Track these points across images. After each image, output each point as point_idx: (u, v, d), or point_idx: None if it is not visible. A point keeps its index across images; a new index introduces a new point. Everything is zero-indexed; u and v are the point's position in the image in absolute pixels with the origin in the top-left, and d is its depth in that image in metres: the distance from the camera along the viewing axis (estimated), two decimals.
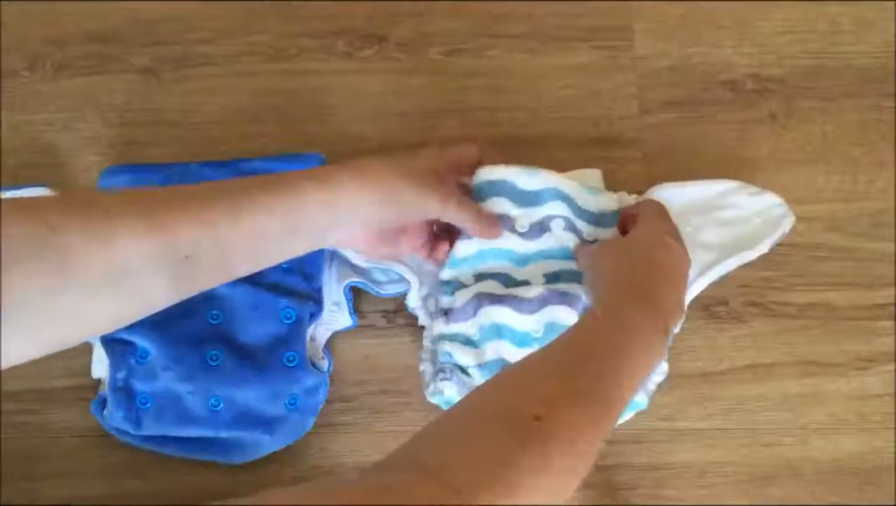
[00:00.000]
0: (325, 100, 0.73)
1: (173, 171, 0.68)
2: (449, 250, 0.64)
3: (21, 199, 0.48)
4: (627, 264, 0.57)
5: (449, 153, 0.63)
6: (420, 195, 0.58)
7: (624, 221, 0.65)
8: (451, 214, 0.60)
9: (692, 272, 0.63)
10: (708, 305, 0.69)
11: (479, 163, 0.64)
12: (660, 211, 0.63)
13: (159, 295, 0.51)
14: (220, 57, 0.74)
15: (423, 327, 0.66)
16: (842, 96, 0.73)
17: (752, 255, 0.66)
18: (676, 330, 0.58)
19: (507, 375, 0.50)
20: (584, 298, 0.63)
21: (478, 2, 0.75)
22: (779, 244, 0.67)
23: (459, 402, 0.49)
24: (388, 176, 0.57)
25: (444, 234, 0.65)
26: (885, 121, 0.72)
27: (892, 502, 0.66)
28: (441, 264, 0.64)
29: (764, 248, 0.66)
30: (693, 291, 0.65)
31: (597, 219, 0.65)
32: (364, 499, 0.38)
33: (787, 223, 0.66)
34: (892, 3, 0.74)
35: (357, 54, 0.74)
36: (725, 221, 0.67)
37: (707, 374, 0.68)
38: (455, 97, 0.73)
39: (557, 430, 0.44)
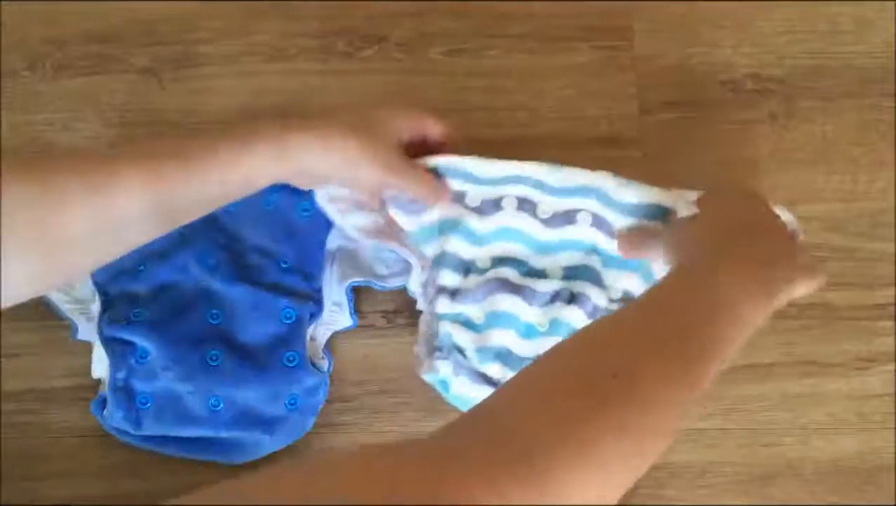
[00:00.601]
0: (325, 100, 0.73)
1: None
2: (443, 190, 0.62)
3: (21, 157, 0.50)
4: (718, 227, 0.54)
5: (419, 126, 0.62)
6: (368, 169, 0.58)
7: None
8: (396, 182, 0.60)
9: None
10: None
11: (445, 141, 0.63)
12: (733, 187, 0.61)
13: (145, 238, 0.53)
14: (220, 57, 0.74)
15: (420, 312, 0.65)
16: (842, 96, 0.73)
17: None
18: (801, 292, 0.54)
19: (585, 333, 0.48)
20: (595, 302, 0.63)
21: (478, 2, 0.75)
22: None
23: (536, 359, 0.46)
24: (349, 144, 0.57)
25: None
26: (885, 121, 0.72)
27: (892, 502, 0.66)
28: (439, 202, 0.63)
29: None
30: None
31: (635, 213, 0.62)
32: (432, 466, 0.37)
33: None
34: (892, 3, 0.74)
35: (357, 54, 0.74)
36: None
37: None
38: (455, 97, 0.73)
39: (635, 388, 0.42)
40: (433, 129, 0.63)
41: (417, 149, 0.62)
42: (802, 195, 0.71)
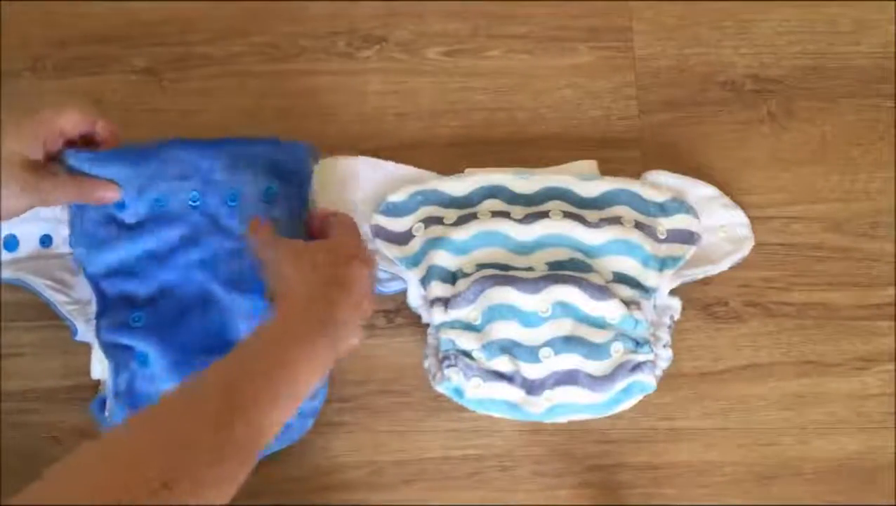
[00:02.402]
0: (325, 100, 0.73)
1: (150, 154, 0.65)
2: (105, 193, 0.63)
3: None
4: (309, 277, 0.57)
5: (54, 124, 0.62)
6: (18, 196, 0.59)
7: (314, 225, 0.65)
8: (55, 199, 0.61)
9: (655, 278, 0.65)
10: (707, 305, 0.69)
11: (92, 131, 0.64)
12: (353, 230, 0.63)
13: None
14: (220, 57, 0.74)
15: (426, 326, 0.66)
16: (841, 96, 0.73)
17: (711, 270, 0.68)
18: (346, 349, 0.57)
19: (120, 440, 0.47)
20: (594, 280, 0.64)
21: (478, 2, 0.75)
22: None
23: (66, 473, 0.46)
24: None
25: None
26: (885, 121, 0.72)
27: (892, 502, 0.66)
28: (101, 202, 0.64)
29: (724, 266, 0.68)
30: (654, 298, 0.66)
31: (600, 205, 0.67)
32: None
33: (748, 247, 0.68)
34: (892, 3, 0.75)
35: (357, 54, 0.74)
36: None
37: (706, 373, 0.68)
38: (455, 97, 0.73)
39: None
40: (70, 126, 0.62)
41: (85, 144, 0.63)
42: (802, 195, 0.71)
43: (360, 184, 0.69)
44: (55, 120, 0.61)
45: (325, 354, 0.54)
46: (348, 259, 0.58)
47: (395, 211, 0.68)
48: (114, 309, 0.64)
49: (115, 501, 0.42)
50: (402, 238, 0.67)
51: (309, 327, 0.54)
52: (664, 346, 0.64)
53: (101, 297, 0.64)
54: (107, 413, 0.64)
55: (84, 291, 0.66)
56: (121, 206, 0.64)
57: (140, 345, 0.63)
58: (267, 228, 0.62)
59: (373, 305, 0.60)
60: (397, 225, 0.67)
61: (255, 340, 0.53)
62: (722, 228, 0.68)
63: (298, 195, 0.67)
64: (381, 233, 0.67)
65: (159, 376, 0.63)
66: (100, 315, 0.64)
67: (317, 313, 0.55)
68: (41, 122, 0.60)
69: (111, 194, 0.63)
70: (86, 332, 0.66)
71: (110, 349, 0.63)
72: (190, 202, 0.64)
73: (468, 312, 0.64)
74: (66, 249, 0.66)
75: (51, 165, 0.61)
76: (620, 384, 0.63)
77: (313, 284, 0.56)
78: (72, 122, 0.62)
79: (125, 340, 0.63)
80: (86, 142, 0.64)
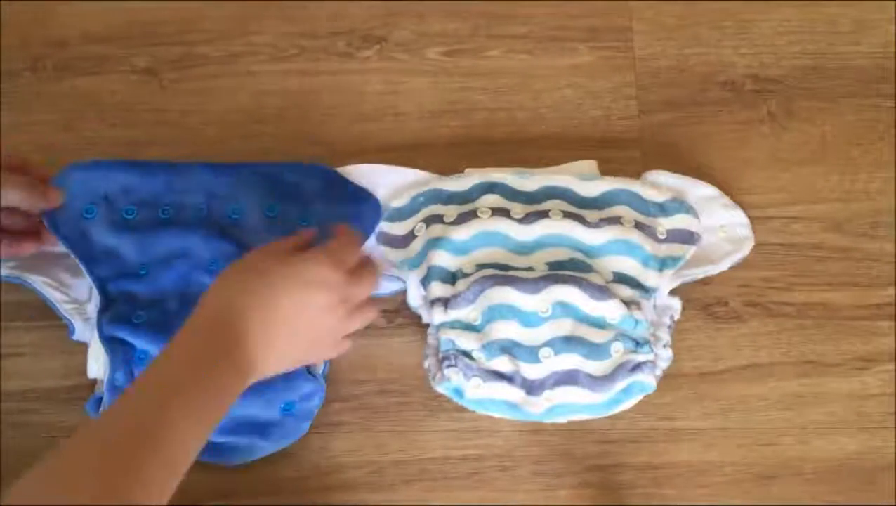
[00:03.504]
0: (325, 100, 0.73)
1: (166, 172, 0.67)
2: (35, 244, 0.64)
3: None
4: (258, 292, 0.53)
5: None
6: None
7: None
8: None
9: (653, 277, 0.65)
10: (707, 304, 0.69)
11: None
12: (344, 256, 0.57)
13: None
14: (220, 57, 0.74)
15: (426, 326, 0.66)
16: (841, 96, 0.73)
17: (711, 270, 0.68)
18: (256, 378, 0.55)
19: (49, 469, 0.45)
20: (594, 280, 0.64)
21: (478, 2, 0.75)
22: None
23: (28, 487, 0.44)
24: None
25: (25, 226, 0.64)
26: (885, 121, 0.72)
27: (892, 502, 0.66)
28: (21, 254, 0.63)
29: (724, 266, 0.68)
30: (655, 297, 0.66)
31: (600, 205, 0.67)
32: None
33: (748, 247, 0.68)
34: (892, 3, 0.75)
35: (357, 54, 0.74)
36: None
37: (706, 373, 0.68)
38: (455, 97, 0.73)
39: None
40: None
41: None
42: (802, 195, 0.71)
43: (375, 190, 0.69)
44: None
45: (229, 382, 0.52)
46: (315, 285, 0.55)
47: (398, 216, 0.68)
48: (116, 306, 0.64)
49: None
50: (404, 241, 0.67)
51: (218, 348, 0.52)
52: (664, 346, 0.64)
53: (105, 295, 0.65)
54: (101, 410, 0.64)
55: (82, 290, 0.66)
56: (128, 211, 0.66)
57: (140, 342, 0.63)
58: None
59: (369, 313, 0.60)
60: (400, 229, 0.68)
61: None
62: (722, 228, 0.68)
63: (302, 216, 0.67)
64: (384, 239, 0.68)
65: None
66: (102, 311, 0.64)
67: (240, 328, 0.52)
68: None
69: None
70: (83, 331, 0.66)
71: (110, 344, 0.63)
72: (195, 212, 0.66)
73: (468, 313, 0.64)
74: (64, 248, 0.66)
75: None
76: (620, 384, 0.63)
77: (254, 299, 0.54)
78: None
79: (126, 336, 0.63)
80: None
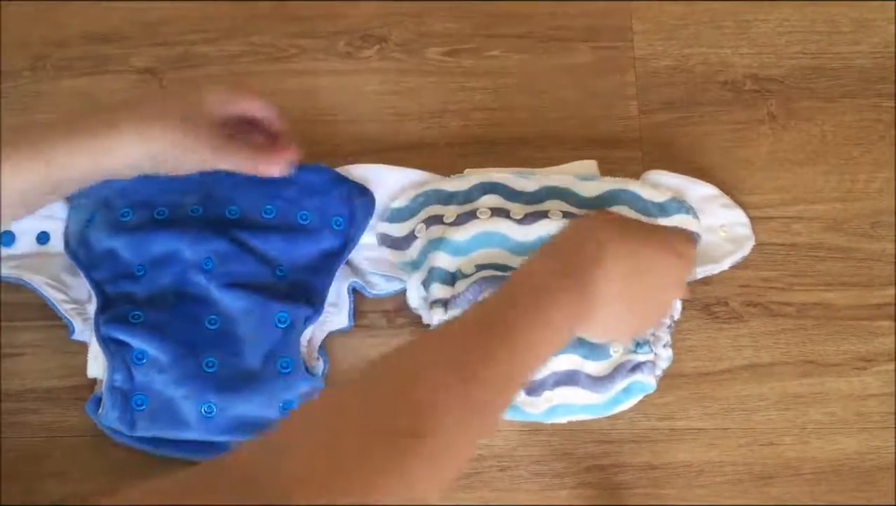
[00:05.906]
0: (325, 100, 0.73)
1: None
2: (283, 162, 0.61)
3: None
4: (620, 233, 0.51)
5: (233, 104, 0.61)
6: (194, 154, 0.57)
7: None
8: (224, 163, 0.59)
9: None
10: (707, 304, 0.69)
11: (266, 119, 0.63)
12: (689, 246, 0.56)
13: None
14: (220, 57, 0.74)
15: (426, 326, 0.66)
16: (841, 96, 0.73)
17: (711, 270, 0.68)
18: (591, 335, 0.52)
19: (385, 370, 0.44)
20: None
21: (478, 2, 0.75)
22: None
23: (326, 400, 0.43)
24: (169, 134, 0.56)
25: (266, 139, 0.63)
26: (885, 121, 0.72)
27: (892, 502, 0.66)
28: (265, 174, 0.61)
29: (725, 265, 0.68)
30: None
31: (600, 205, 0.67)
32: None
33: (748, 247, 0.68)
34: (892, 3, 0.75)
35: (357, 54, 0.74)
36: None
37: (706, 373, 0.68)
38: (455, 97, 0.73)
39: (433, 450, 0.39)
40: (249, 106, 0.61)
41: (241, 128, 0.61)
42: (802, 195, 0.71)
43: (376, 190, 0.69)
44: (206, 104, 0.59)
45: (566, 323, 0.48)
46: (674, 251, 0.53)
47: (398, 217, 0.68)
48: (114, 306, 0.64)
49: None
50: (405, 242, 0.67)
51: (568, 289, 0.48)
52: (664, 346, 0.64)
53: (102, 295, 0.65)
54: (101, 410, 0.64)
55: (82, 290, 0.66)
56: (123, 213, 0.66)
57: (137, 342, 0.63)
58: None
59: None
60: (401, 230, 0.67)
61: (489, 306, 0.47)
62: (722, 227, 0.68)
63: (299, 215, 0.67)
64: (386, 240, 0.68)
65: (154, 375, 0.63)
66: (100, 311, 0.64)
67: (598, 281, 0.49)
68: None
69: (275, 168, 0.61)
70: (83, 331, 0.66)
71: (108, 344, 0.64)
72: (190, 212, 0.66)
73: None
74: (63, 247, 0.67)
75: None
76: (620, 384, 0.63)
77: (619, 252, 0.50)
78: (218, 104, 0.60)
79: (124, 336, 0.63)
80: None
